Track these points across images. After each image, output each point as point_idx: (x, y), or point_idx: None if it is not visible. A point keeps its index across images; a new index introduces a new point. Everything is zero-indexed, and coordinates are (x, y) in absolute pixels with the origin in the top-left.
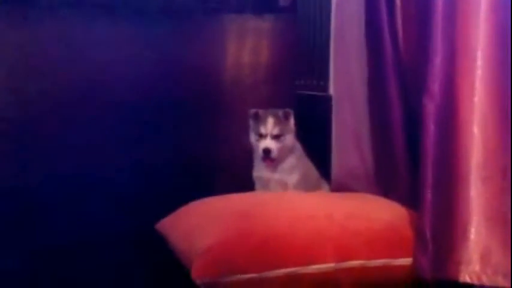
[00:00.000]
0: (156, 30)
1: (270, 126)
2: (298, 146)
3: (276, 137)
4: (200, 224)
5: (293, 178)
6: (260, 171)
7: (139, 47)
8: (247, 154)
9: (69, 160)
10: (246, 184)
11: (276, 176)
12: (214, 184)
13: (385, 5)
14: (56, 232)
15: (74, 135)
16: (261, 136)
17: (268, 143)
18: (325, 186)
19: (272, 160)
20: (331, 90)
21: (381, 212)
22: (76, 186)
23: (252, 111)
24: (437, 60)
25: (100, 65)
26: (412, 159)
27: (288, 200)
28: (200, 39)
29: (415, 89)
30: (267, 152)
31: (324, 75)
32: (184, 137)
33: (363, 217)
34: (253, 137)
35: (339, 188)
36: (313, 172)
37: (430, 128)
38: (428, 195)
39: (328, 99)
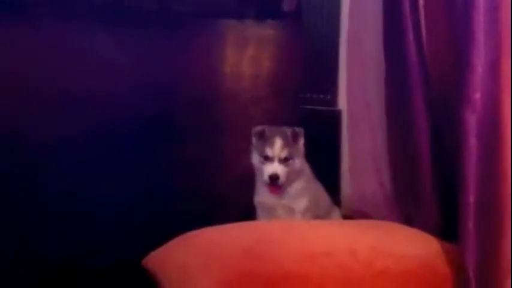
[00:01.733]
0: (147, 36)
1: (277, 148)
2: (306, 168)
3: (284, 161)
4: (196, 262)
5: (301, 204)
6: (263, 196)
7: (128, 55)
8: (248, 176)
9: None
10: (247, 211)
11: (281, 201)
12: (212, 211)
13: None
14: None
15: (64, 158)
16: (267, 159)
17: (275, 167)
18: (335, 211)
19: (279, 187)
20: (340, 105)
21: (411, 246)
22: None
23: (257, 128)
24: (479, 66)
25: (89, 76)
26: (439, 183)
27: (299, 232)
28: (196, 47)
29: (446, 100)
30: (274, 178)
31: (331, 88)
32: (177, 157)
33: (391, 252)
34: (256, 159)
35: (352, 214)
36: (324, 197)
37: (472, 142)
38: (471, 225)
39: (336, 115)
